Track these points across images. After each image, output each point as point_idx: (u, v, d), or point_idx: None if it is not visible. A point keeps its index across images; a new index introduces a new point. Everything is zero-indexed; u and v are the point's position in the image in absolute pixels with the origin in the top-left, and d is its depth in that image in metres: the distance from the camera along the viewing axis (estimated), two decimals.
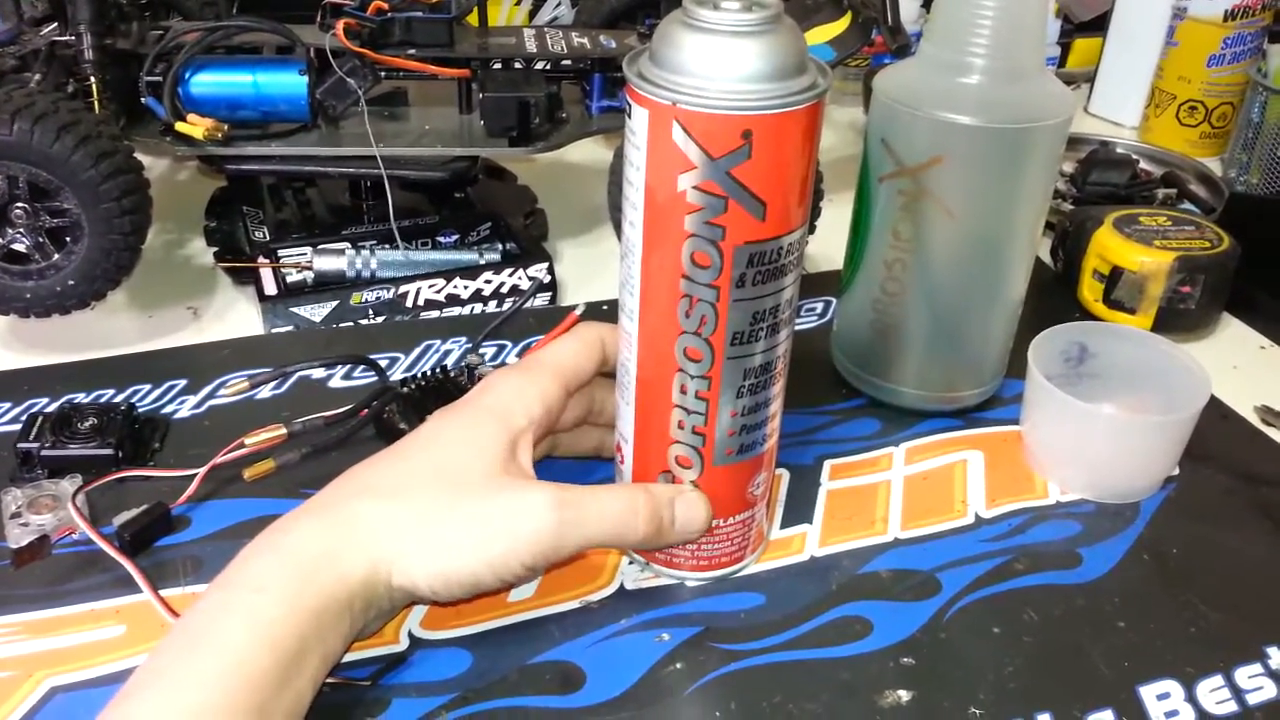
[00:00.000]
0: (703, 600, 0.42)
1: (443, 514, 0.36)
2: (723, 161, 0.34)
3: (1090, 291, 0.61)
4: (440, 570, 0.36)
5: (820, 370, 0.56)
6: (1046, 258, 0.66)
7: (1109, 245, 0.59)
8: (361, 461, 0.39)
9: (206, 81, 0.57)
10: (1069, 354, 0.51)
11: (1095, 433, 0.47)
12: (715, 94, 0.33)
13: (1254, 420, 0.54)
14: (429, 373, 0.51)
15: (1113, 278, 0.59)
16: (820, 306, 0.62)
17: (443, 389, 0.49)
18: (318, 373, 0.53)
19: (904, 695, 0.38)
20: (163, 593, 0.40)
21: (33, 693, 0.36)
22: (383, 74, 0.59)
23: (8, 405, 0.49)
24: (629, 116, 0.35)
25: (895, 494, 0.48)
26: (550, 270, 0.60)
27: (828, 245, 0.64)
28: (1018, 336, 0.52)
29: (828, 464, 0.49)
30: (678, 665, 0.39)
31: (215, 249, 0.61)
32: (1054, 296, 0.63)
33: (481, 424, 0.39)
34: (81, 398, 0.50)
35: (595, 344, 0.42)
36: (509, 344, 0.56)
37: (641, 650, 0.39)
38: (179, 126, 0.55)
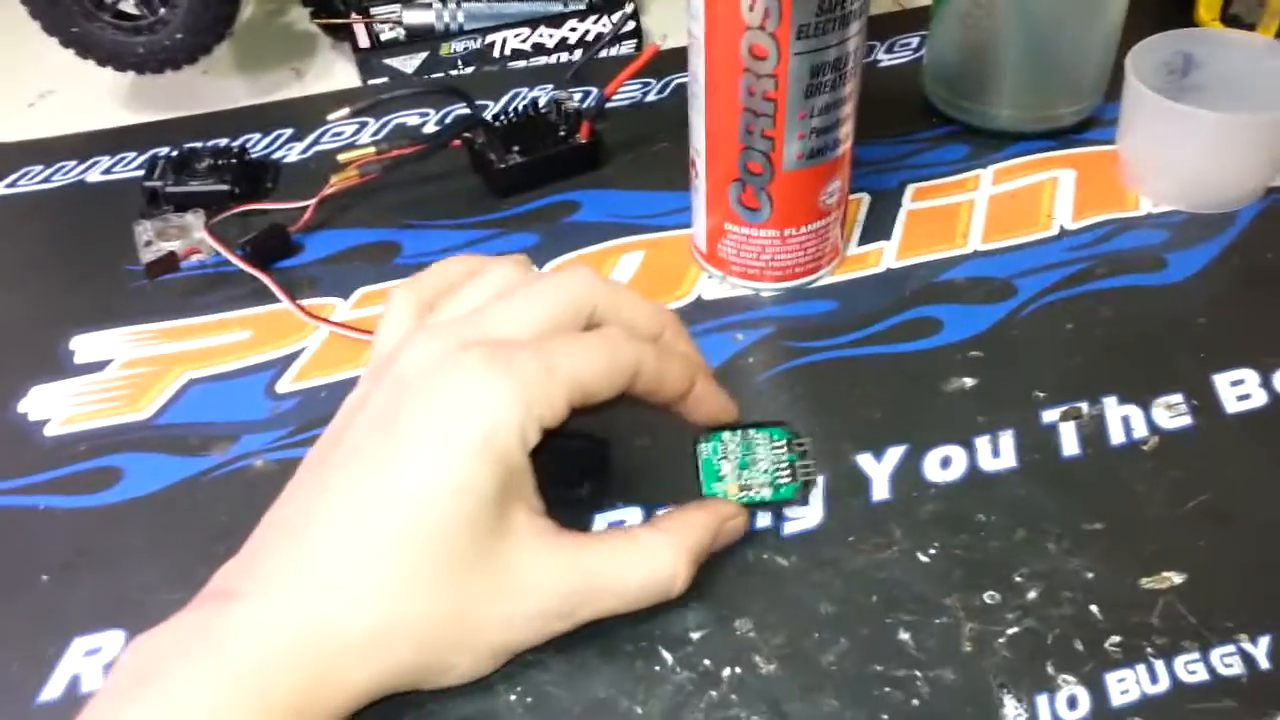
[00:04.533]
0: (776, 308, 0.43)
1: (444, 612, 0.28)
2: None
3: (1207, 10, 0.57)
4: (446, 679, 0.29)
5: (910, 103, 0.54)
6: None
7: None
8: (300, 501, 0.29)
9: None
10: (1173, 65, 0.48)
11: (1193, 137, 0.45)
12: None
13: None
14: (520, 108, 0.52)
15: None
16: (915, 41, 0.60)
17: (533, 124, 0.51)
18: (412, 119, 0.55)
19: (968, 382, 0.39)
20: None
21: (173, 383, 0.41)
22: None
23: (133, 154, 0.54)
24: None
25: (979, 211, 0.47)
26: (635, 16, 0.60)
27: None
28: (1122, 57, 0.50)
29: (911, 187, 0.49)
30: (750, 359, 0.41)
31: (310, 8, 0.63)
32: (1167, 19, 0.59)
33: (468, 460, 0.27)
34: (197, 145, 0.53)
35: (626, 370, 0.30)
36: (594, 89, 0.56)
37: (717, 347, 0.41)
38: None
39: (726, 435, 0.35)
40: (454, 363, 0.28)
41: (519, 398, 0.28)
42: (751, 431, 0.35)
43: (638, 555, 0.31)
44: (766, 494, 0.34)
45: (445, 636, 0.28)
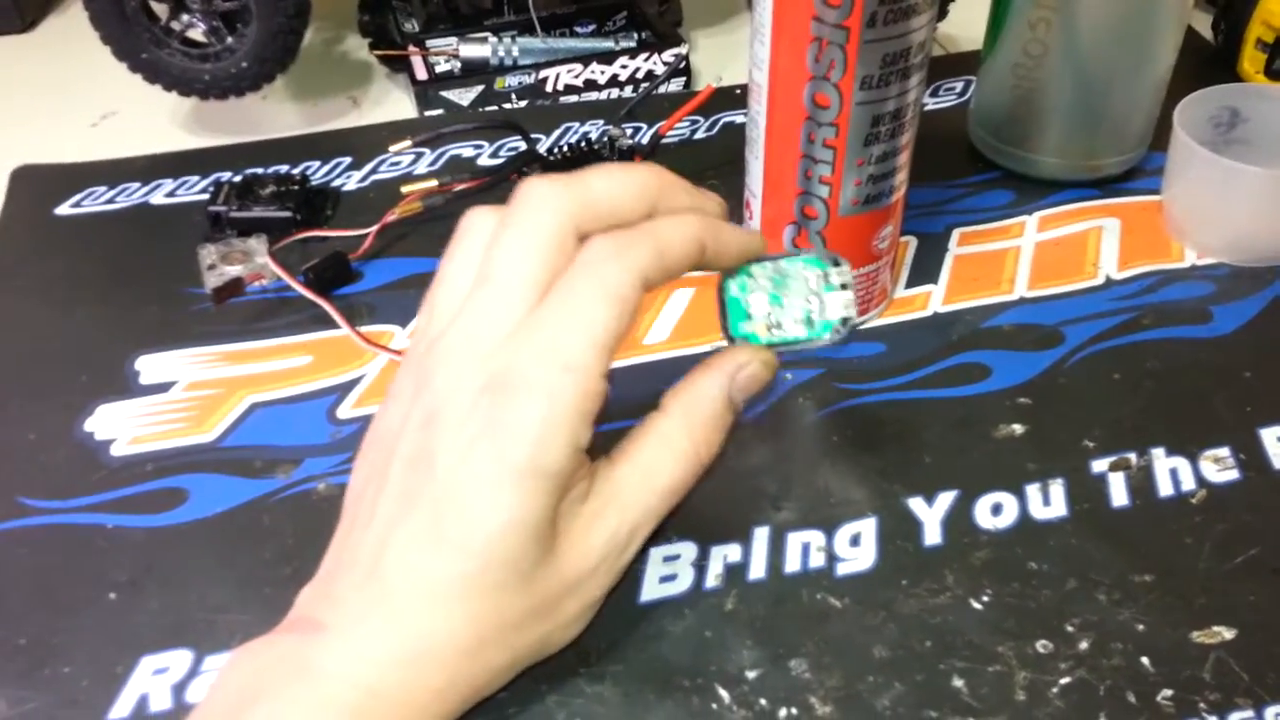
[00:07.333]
0: (825, 348, 0.44)
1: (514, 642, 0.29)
2: None
3: (1251, 63, 0.58)
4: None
5: (956, 147, 0.55)
6: (1207, 33, 0.63)
7: (1276, 9, 0.56)
8: (360, 535, 0.29)
9: None
10: (1219, 119, 0.49)
11: (1238, 192, 0.46)
12: None
13: None
14: (574, 143, 0.53)
15: (1277, 45, 0.56)
16: (960, 86, 0.61)
17: (586, 160, 0.52)
18: (467, 151, 0.56)
19: (1018, 428, 0.40)
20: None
21: (237, 406, 0.42)
22: None
23: (197, 178, 0.55)
24: None
25: (1024, 258, 0.48)
26: (685, 56, 0.61)
27: (968, 27, 0.62)
28: (1168, 108, 0.50)
29: (957, 232, 0.50)
30: (800, 400, 0.42)
31: (369, 39, 0.65)
32: (1212, 72, 0.60)
33: (516, 492, 0.27)
34: (260, 171, 0.55)
35: (629, 306, 0.29)
36: (643, 125, 0.58)
37: None
38: None
39: (756, 268, 0.31)
40: (471, 392, 0.28)
41: (552, 411, 0.27)
42: (784, 263, 0.31)
43: (652, 453, 0.31)
44: (800, 332, 0.31)
45: (531, 629, 0.29)
